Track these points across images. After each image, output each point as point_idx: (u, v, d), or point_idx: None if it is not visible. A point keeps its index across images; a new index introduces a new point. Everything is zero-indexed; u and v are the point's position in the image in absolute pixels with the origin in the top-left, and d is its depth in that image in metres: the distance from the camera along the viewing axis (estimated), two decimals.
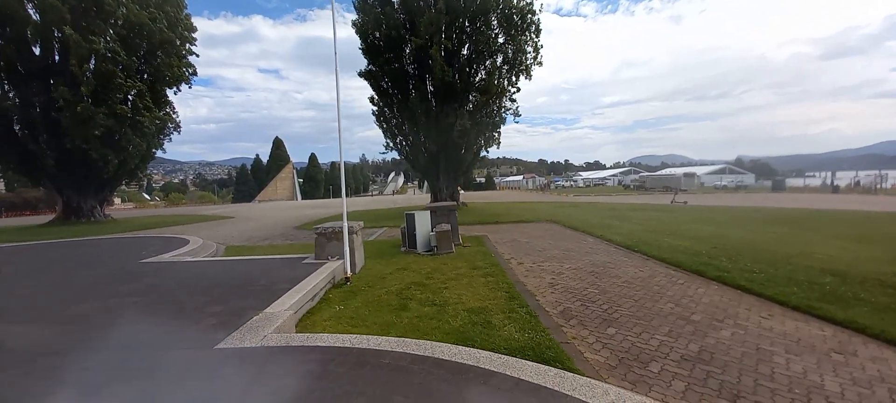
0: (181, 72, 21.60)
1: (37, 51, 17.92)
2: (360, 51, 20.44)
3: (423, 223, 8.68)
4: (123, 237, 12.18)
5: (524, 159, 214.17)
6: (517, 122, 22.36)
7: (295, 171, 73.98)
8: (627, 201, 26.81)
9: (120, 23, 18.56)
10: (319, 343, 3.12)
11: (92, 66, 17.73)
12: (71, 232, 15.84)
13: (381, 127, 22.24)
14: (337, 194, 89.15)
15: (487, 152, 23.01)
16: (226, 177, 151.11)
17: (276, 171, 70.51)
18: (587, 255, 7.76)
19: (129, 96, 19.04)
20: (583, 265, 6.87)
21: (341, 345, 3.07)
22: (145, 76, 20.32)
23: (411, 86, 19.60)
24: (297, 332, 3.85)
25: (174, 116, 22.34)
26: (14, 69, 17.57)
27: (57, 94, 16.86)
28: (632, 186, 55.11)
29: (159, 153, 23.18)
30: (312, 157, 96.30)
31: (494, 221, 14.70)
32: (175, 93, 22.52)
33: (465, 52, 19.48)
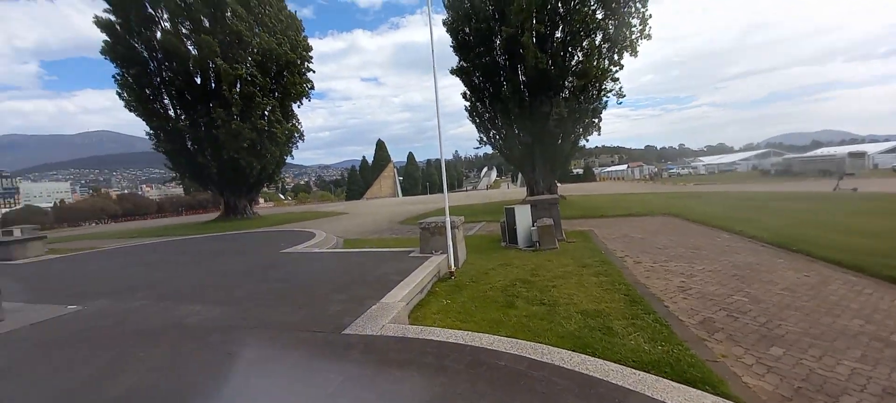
0: (303, 88, 24.86)
1: (198, 80, 22.42)
2: (451, 49, 20.82)
3: (523, 217, 8.41)
4: (266, 231, 14.50)
5: (627, 147, 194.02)
6: (620, 105, 20.23)
7: (395, 170, 79.47)
8: (768, 189, 22.29)
9: (255, 50, 22.12)
10: (433, 337, 3.17)
11: (238, 89, 21.51)
12: (230, 226, 19.55)
13: (473, 122, 22.37)
14: (433, 190, 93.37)
15: (586, 141, 21.35)
16: (339, 177, 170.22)
17: (379, 171, 76.76)
18: (724, 255, 6.58)
19: (266, 112, 22.60)
20: (721, 267, 5.83)
21: (454, 341, 3.07)
22: (276, 94, 23.88)
23: (503, 79, 19.24)
24: (410, 324, 4.01)
25: (299, 127, 25.82)
26: (183, 97, 22.28)
27: (215, 115, 20.89)
28: (773, 172, 45.39)
29: (289, 159, 27.10)
30: (410, 156, 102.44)
31: (599, 215, 13.58)
32: (298, 107, 26.06)
33: (558, 35, 18.32)
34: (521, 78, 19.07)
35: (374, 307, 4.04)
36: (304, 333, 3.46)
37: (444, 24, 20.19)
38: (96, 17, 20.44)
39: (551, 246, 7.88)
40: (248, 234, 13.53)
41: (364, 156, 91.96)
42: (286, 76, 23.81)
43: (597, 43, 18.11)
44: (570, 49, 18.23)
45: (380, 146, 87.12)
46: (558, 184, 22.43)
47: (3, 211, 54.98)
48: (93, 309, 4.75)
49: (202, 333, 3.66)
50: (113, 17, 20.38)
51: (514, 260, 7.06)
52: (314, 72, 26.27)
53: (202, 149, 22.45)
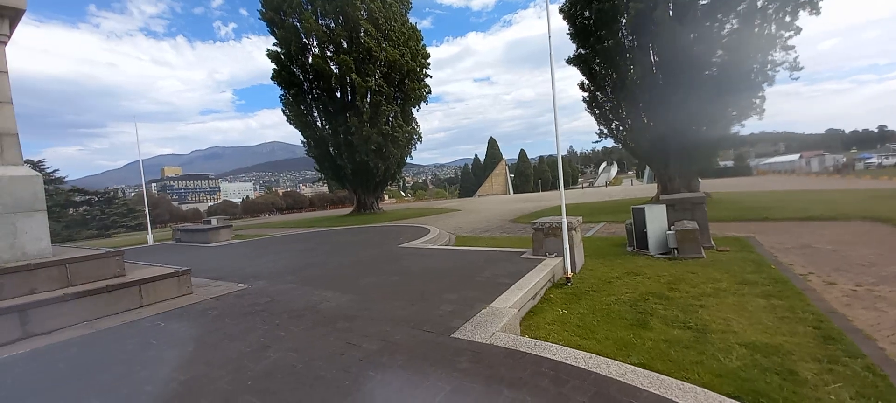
0: (421, 93, 26.55)
1: (338, 94, 25.87)
2: (568, 37, 19.41)
3: (656, 219, 7.23)
4: (388, 225, 15.89)
5: (798, 132, 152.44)
6: (795, 79, 15.77)
7: (507, 167, 78.96)
8: None
9: (382, 63, 24.44)
10: (549, 355, 2.83)
11: (368, 99, 24.13)
12: (360, 220, 22.11)
13: (592, 113, 20.50)
14: (546, 187, 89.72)
15: (742, 126, 17.35)
16: (453, 175, 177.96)
17: (491, 169, 77.30)
18: None
19: (390, 118, 24.85)
20: None
21: (574, 364, 2.68)
22: (398, 100, 26.02)
23: (629, 63, 17.06)
24: (522, 333, 3.72)
25: (417, 129, 27.69)
26: (327, 110, 25.99)
27: (350, 123, 23.84)
28: None
29: (408, 159, 29.29)
30: (521, 153, 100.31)
31: (761, 217, 10.93)
32: (417, 111, 27.94)
33: (703, 2, 15.28)
34: (653, 59, 16.64)
35: (483, 311, 3.88)
36: (415, 331, 3.51)
37: (561, 11, 18.95)
38: (268, 50, 25.44)
39: (695, 254, 6.58)
40: (374, 228, 15.00)
41: (476, 155, 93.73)
42: (407, 83, 25.75)
43: (758, 4, 14.55)
44: (719, 15, 15.06)
45: (491, 144, 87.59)
46: (700, 180, 18.91)
47: (209, 204, 73.11)
48: (255, 287, 5.77)
49: (331, 319, 4.04)
50: (279, 49, 25.05)
51: (644, 268, 6.09)
52: (431, 77, 27.80)
53: (340, 153, 25.93)
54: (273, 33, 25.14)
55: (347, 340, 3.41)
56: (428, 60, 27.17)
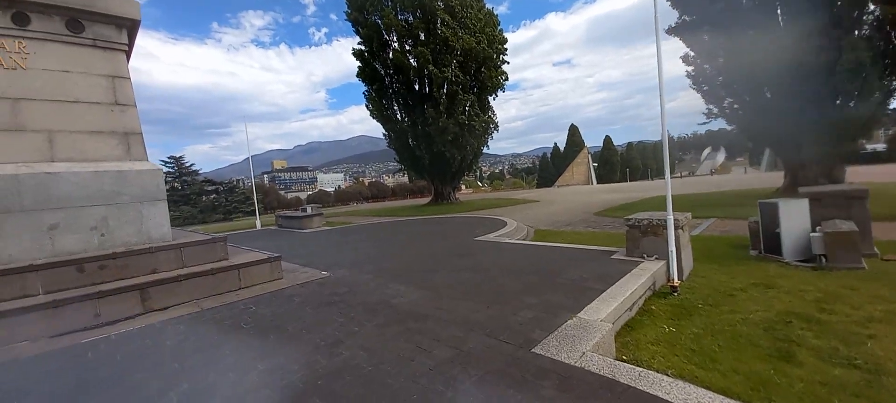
0: (498, 81, 25.78)
1: (416, 87, 26.35)
2: (668, 2, 16.92)
3: (794, 217, 5.79)
4: (464, 216, 15.74)
5: None
6: None
7: (589, 156, 73.75)
8: None
9: (458, 52, 24.21)
10: (660, 392, 2.24)
11: (444, 90, 24.18)
12: (437, 210, 22.42)
13: (698, 90, 17.71)
14: (635, 177, 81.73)
15: None
16: (530, 165, 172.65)
17: (572, 157, 72.98)
18: None
19: (466, 107, 24.62)
20: None
21: None
22: (475, 89, 25.62)
23: (749, 26, 14.22)
24: (618, 353, 3.13)
25: (494, 118, 27.03)
26: (406, 102, 26.67)
27: (427, 114, 24.17)
28: None
29: (485, 149, 28.84)
30: (606, 140, 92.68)
31: None
32: (494, 99, 27.23)
33: None
34: (780, 16, 13.67)
35: (570, 322, 3.36)
36: (490, 340, 3.15)
37: None
38: (353, 49, 26.97)
39: (852, 264, 5.11)
40: (450, 219, 14.97)
41: (555, 143, 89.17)
42: (483, 71, 25.19)
43: None
44: None
45: (572, 131, 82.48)
46: (846, 169, 15.17)
47: (308, 193, 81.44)
48: (337, 276, 5.96)
49: (403, 317, 3.88)
50: (363, 47, 26.39)
51: (778, 279, 4.89)
52: (508, 62, 26.82)
53: (419, 144, 26.54)
54: (357, 32, 26.49)
55: (418, 343, 3.19)
56: (505, 46, 26.21)
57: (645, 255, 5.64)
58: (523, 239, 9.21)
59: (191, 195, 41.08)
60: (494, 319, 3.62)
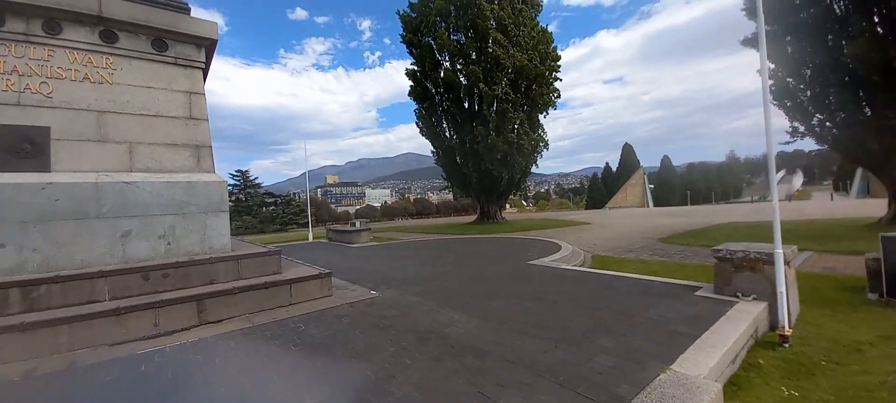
0: (549, 98, 25.10)
1: (466, 104, 26.36)
2: (743, 13, 15.49)
3: None
4: (513, 237, 15.12)
5: None
6: None
7: (646, 176, 69.43)
8: None
9: (509, 70, 23.95)
10: None
11: (494, 108, 23.92)
12: (483, 229, 21.91)
13: (782, 105, 15.88)
14: (695, 201, 75.47)
15: None
16: (577, 185, 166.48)
17: (625, 178, 69.17)
18: None
19: (515, 125, 24.14)
20: None
21: None
22: (525, 107, 25.11)
23: (842, 38, 12.55)
24: None
25: (544, 136, 26.25)
26: (455, 120, 26.72)
27: (476, 133, 23.98)
28: None
29: (532, 168, 28.00)
30: (665, 160, 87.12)
31: None
32: (544, 117, 26.51)
33: None
34: (877, 26, 11.90)
35: (663, 377, 2.77)
36: (565, 392, 2.65)
37: None
38: (406, 69, 27.78)
39: None
40: (498, 239, 14.42)
41: (607, 163, 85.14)
42: (535, 89, 24.68)
43: None
44: None
45: (627, 150, 78.41)
46: None
47: (357, 208, 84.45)
48: (385, 296, 5.70)
49: (459, 351, 3.48)
50: (415, 68, 27.08)
51: None
52: (561, 80, 26.08)
53: (466, 162, 26.36)
54: (411, 53, 27.27)
55: (479, 387, 2.77)
56: (558, 63, 25.56)
57: (739, 294, 4.80)
58: (580, 266, 8.48)
59: (252, 206, 44.12)
60: (566, 364, 3.11)
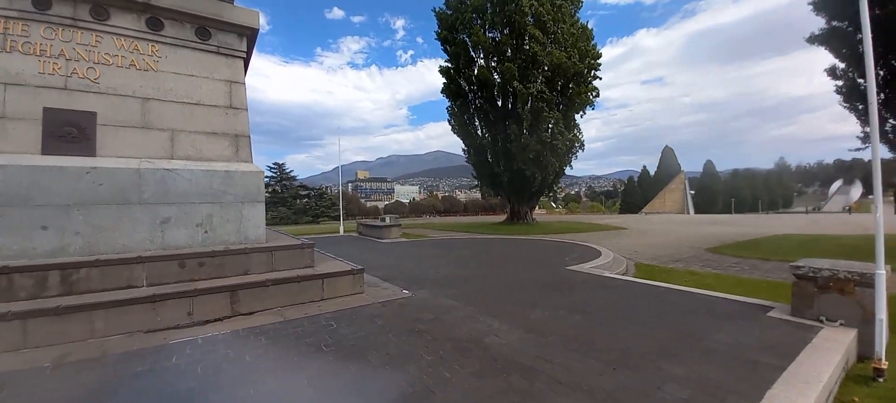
0: (587, 97, 24.11)
1: (499, 102, 25.81)
2: (811, 7, 14.08)
3: None
4: (547, 239, 14.53)
5: None
6: None
7: (687, 181, 65.89)
8: None
9: (546, 68, 23.19)
10: None
11: (528, 106, 23.24)
12: (514, 230, 21.37)
13: (852, 109, 14.33)
14: (741, 209, 70.86)
15: None
16: (610, 188, 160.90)
17: (664, 182, 65.94)
18: None
19: (550, 124, 23.36)
20: None
21: None
22: (560, 106, 24.25)
23: None
24: None
25: (580, 136, 25.28)
26: (488, 118, 26.23)
27: (510, 131, 23.42)
28: None
29: (566, 169, 27.06)
30: (707, 165, 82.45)
31: None
32: (581, 117, 25.52)
33: None
34: None
35: None
36: None
37: None
38: (440, 66, 27.56)
39: None
40: (531, 241, 13.89)
41: (645, 166, 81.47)
42: (572, 87, 23.78)
43: None
44: None
45: (667, 154, 74.75)
46: None
47: (386, 203, 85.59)
48: (419, 298, 5.44)
49: (503, 366, 3.15)
50: (450, 65, 26.84)
51: None
52: (600, 78, 25.01)
53: (498, 161, 25.87)
54: (445, 51, 27.02)
55: None
56: (598, 61, 24.51)
57: (822, 318, 4.17)
58: (626, 276, 7.88)
59: (287, 198, 45.61)
60: (630, 392, 2.70)
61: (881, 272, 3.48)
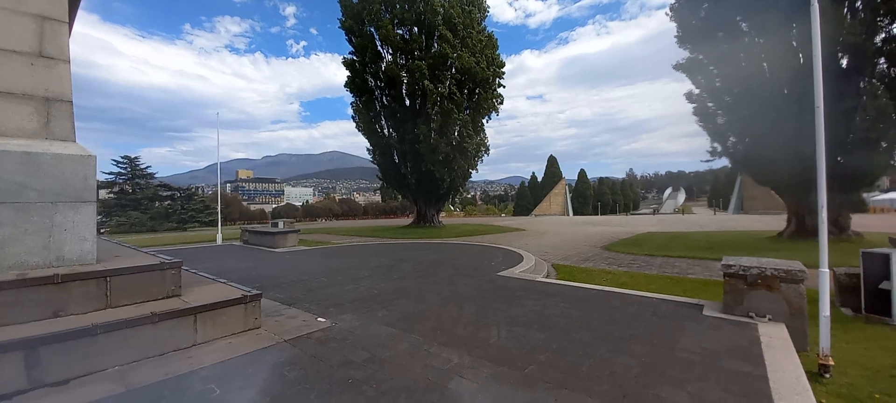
0: (493, 103, 24.96)
1: (407, 102, 25.05)
2: (675, 40, 16.83)
3: None
4: (462, 243, 14.17)
5: None
6: None
7: (567, 187, 74.91)
8: None
9: (455, 70, 23.27)
10: None
11: (438, 107, 22.99)
12: (424, 233, 20.71)
13: (705, 127, 17.45)
14: (605, 211, 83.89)
15: None
16: (502, 193, 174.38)
17: (549, 187, 73.70)
18: None
19: (459, 127, 23.48)
20: None
21: None
22: (468, 110, 24.63)
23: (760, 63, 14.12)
24: None
25: (486, 141, 26.04)
26: (396, 117, 25.24)
27: (418, 131, 22.80)
28: None
29: (473, 173, 27.64)
30: (581, 173, 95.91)
31: None
32: (487, 121, 26.32)
33: None
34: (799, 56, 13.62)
35: None
36: None
37: (670, 11, 16.51)
38: (344, 58, 25.46)
39: None
40: (447, 245, 13.36)
41: (533, 173, 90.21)
42: (479, 92, 24.34)
43: None
44: None
45: (551, 162, 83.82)
46: (850, 216, 15.03)
47: (274, 206, 77.18)
48: (342, 327, 4.21)
49: None
50: (354, 58, 24.96)
51: None
52: (504, 87, 26.16)
53: (405, 162, 25.00)
54: (350, 41, 25.09)
55: None
56: (502, 69, 25.60)
57: (752, 314, 4.36)
58: (554, 279, 7.78)
59: (142, 199, 37.06)
60: None
61: (824, 270, 3.64)
